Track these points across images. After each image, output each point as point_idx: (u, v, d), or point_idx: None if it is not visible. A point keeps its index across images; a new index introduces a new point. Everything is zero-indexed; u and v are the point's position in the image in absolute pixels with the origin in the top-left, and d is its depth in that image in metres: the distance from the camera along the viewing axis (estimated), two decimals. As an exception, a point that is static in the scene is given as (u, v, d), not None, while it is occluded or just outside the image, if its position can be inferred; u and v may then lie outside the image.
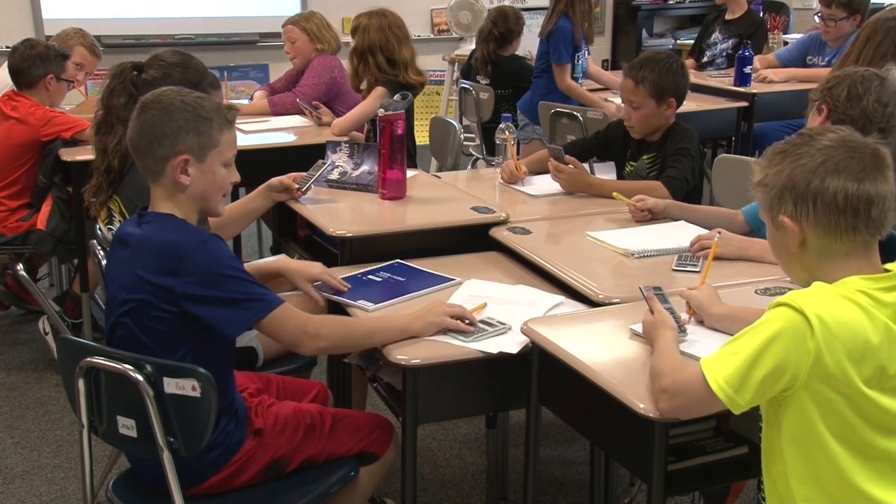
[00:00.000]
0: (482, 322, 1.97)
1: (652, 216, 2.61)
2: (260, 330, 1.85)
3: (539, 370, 1.85)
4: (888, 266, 1.44)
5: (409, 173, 2.93)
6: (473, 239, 2.52)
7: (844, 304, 1.36)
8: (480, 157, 5.03)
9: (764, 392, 1.37)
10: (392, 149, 2.73)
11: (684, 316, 1.82)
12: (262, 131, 3.85)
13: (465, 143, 4.67)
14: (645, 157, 3.00)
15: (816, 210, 1.41)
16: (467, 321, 1.93)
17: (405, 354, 1.85)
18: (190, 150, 1.86)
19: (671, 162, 2.82)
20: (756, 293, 2.01)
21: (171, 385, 1.73)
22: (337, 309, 2.16)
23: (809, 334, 1.33)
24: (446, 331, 1.92)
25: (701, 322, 1.83)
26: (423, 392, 1.88)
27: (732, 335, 1.44)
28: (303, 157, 3.02)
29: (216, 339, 1.85)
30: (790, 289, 1.98)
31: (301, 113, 4.09)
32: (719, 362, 1.40)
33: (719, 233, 2.29)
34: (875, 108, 2.17)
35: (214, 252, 1.80)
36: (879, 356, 1.36)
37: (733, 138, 4.65)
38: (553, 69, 4.43)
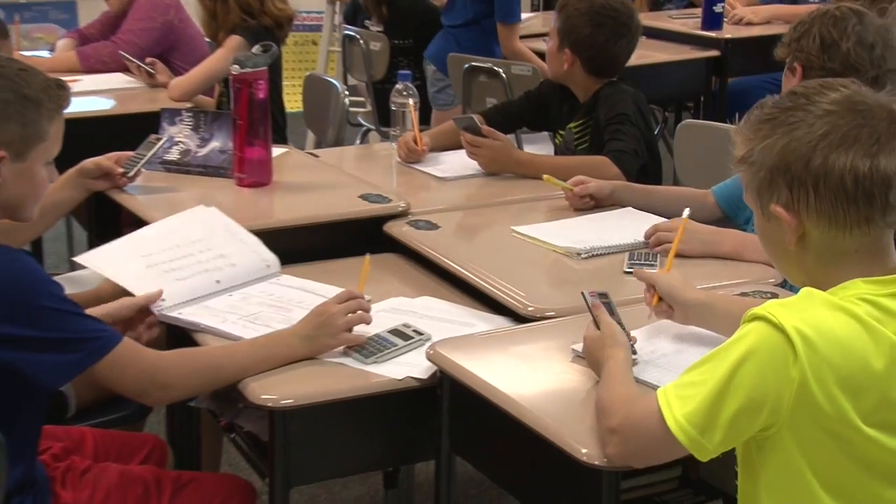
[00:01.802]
0: (393, 332, 1.99)
1: (595, 202, 2.66)
2: (93, 376, 1.84)
3: (451, 409, 1.87)
4: None
5: (276, 151, 2.92)
6: (362, 237, 2.53)
7: (838, 316, 1.39)
8: (372, 127, 5.03)
9: (737, 432, 1.40)
10: (252, 119, 2.71)
11: (637, 335, 1.86)
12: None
13: (351, 109, 4.67)
14: (572, 124, 3.07)
15: (819, 197, 1.43)
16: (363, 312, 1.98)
17: (272, 393, 1.84)
18: (8, 143, 1.83)
19: (611, 133, 2.89)
20: (731, 299, 2.08)
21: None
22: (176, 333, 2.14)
23: (791, 358, 1.36)
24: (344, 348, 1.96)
25: (665, 313, 1.87)
26: (298, 443, 1.87)
27: (712, 332, 1.44)
28: (128, 130, 2.98)
29: (23, 389, 1.82)
30: (776, 294, 2.06)
31: (125, 69, 4.03)
32: (679, 394, 1.42)
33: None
34: (858, 53, 2.25)
35: (26, 275, 1.78)
36: (883, 385, 1.39)
37: (702, 98, 4.78)
38: (498, 28, 4.45)
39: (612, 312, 1.80)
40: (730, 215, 2.56)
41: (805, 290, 1.44)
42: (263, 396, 1.84)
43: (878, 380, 1.38)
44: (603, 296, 1.84)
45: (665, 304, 1.88)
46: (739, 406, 1.37)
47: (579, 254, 2.35)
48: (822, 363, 1.36)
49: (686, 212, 2.19)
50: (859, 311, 1.40)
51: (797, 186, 1.44)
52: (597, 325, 1.77)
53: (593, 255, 2.36)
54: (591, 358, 1.75)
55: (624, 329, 1.78)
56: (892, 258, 1.48)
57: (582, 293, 1.85)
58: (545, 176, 2.68)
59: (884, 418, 1.40)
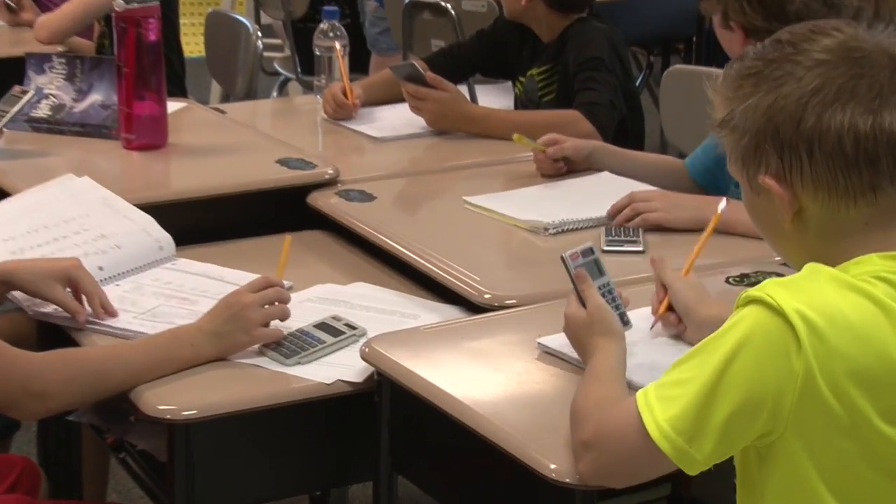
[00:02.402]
0: (319, 327, 2.00)
1: (568, 167, 2.68)
2: None
3: (392, 419, 1.88)
4: None
5: (173, 106, 2.92)
6: (282, 211, 2.55)
7: (850, 297, 1.41)
8: (292, 76, 5.03)
9: (732, 439, 1.42)
10: (141, 66, 2.71)
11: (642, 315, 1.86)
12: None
13: (265, 54, 4.65)
14: (534, 71, 3.08)
15: (814, 163, 1.44)
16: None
17: (171, 402, 1.84)
18: None
19: (582, 82, 2.91)
20: (729, 282, 2.10)
21: None
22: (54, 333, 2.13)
23: (794, 347, 1.37)
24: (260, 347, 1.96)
25: (674, 326, 1.87)
26: (204, 464, 1.87)
27: None
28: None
29: None
30: (780, 273, 2.09)
31: (-19, 5, 4.01)
32: (662, 395, 1.43)
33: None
34: (809, 5, 2.18)
35: None
36: None
37: (694, 39, 4.80)
38: None
39: (600, 274, 1.81)
40: (706, 190, 2.56)
41: (809, 266, 1.45)
42: (160, 407, 1.83)
43: None
44: (589, 251, 1.83)
45: (675, 316, 1.87)
46: (733, 407, 1.38)
47: (546, 229, 2.37)
48: (830, 353, 1.37)
49: (722, 203, 2.11)
50: (875, 291, 1.41)
51: (788, 153, 1.45)
52: (582, 301, 1.78)
53: (563, 231, 2.37)
54: (576, 342, 1.76)
55: (614, 298, 1.79)
56: None
57: (562, 257, 1.82)
58: (515, 135, 2.66)
59: None
